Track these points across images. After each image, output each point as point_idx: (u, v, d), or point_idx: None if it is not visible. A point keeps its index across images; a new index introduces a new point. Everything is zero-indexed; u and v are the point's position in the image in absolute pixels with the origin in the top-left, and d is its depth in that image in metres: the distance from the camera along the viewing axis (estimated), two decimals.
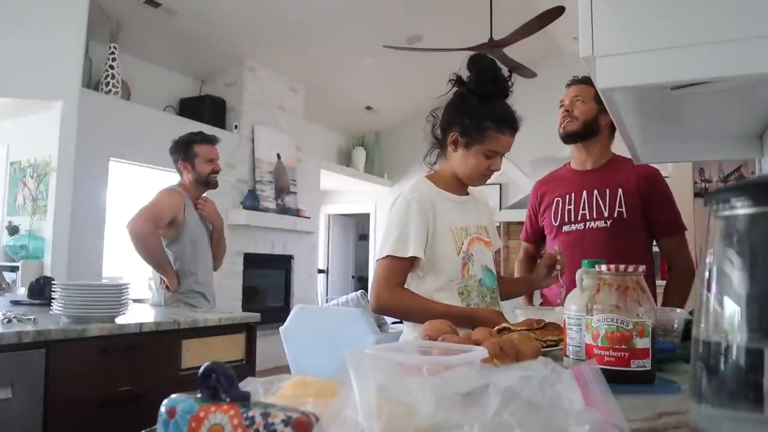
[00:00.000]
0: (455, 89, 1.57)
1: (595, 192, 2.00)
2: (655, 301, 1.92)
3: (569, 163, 2.17)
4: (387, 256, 1.48)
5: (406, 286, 1.53)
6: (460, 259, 1.54)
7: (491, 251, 1.65)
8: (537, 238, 2.24)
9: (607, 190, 1.98)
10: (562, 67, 6.25)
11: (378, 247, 1.55)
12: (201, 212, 2.89)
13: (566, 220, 2.03)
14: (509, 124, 1.53)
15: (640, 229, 1.99)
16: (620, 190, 1.96)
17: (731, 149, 1.65)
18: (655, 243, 2.08)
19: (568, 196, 2.05)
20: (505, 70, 1.55)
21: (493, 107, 1.52)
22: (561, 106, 2.07)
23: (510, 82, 1.54)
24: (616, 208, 1.96)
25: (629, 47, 0.88)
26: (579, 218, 2.00)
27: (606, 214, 1.96)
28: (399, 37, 5.44)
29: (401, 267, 1.49)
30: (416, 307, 1.48)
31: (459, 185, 1.63)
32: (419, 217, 1.49)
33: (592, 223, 1.97)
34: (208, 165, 2.86)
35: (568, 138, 2.05)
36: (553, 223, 2.06)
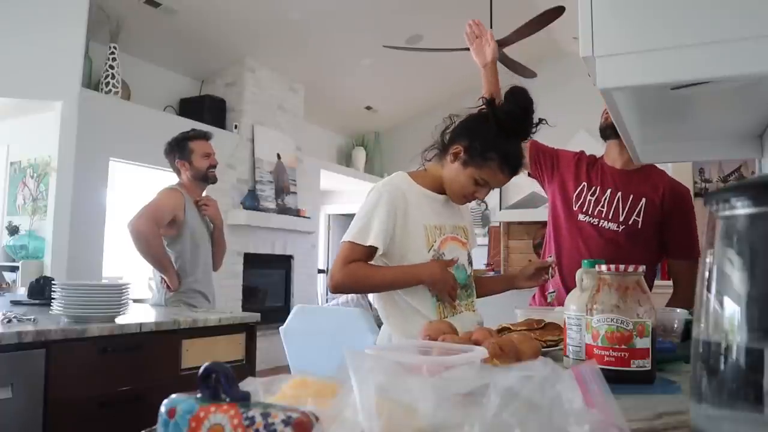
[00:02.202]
0: (482, 106, 1.56)
1: (618, 194, 1.97)
2: None
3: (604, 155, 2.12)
4: (348, 241, 1.52)
5: None
6: (430, 256, 1.55)
7: (467, 251, 1.67)
8: (540, 161, 2.14)
9: (630, 196, 1.95)
10: (562, 67, 6.33)
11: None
12: (204, 212, 2.89)
13: (584, 210, 2.01)
14: (512, 166, 1.54)
15: (651, 241, 1.96)
16: (643, 200, 1.94)
17: (731, 149, 1.65)
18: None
19: (594, 187, 2.02)
20: (536, 117, 1.53)
21: (507, 143, 1.52)
22: None
23: (535, 129, 1.54)
24: (633, 217, 1.94)
25: (629, 47, 0.88)
26: (595, 213, 1.98)
27: (621, 219, 1.94)
28: (399, 37, 5.44)
29: (360, 252, 1.52)
30: (367, 274, 1.52)
31: (441, 187, 1.63)
32: (386, 210, 1.51)
33: (605, 222, 1.96)
34: (204, 160, 2.87)
35: (606, 130, 1.99)
36: (573, 206, 2.03)
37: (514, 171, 1.55)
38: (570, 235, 2.01)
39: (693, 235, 1.98)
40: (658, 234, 1.96)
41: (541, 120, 1.53)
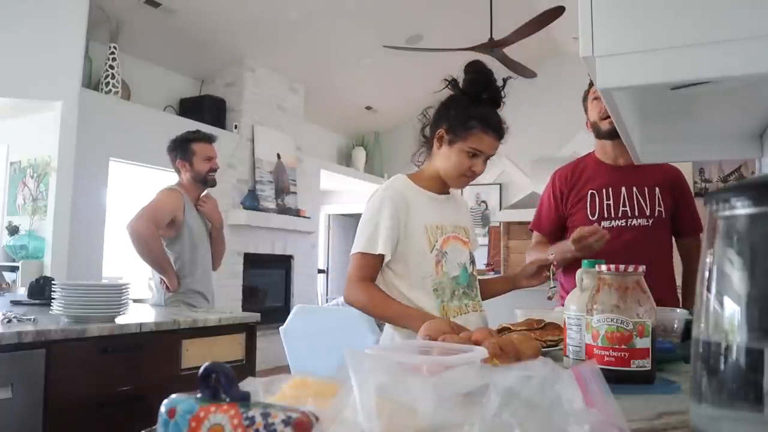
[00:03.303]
0: (449, 90, 1.59)
1: (635, 189, 1.98)
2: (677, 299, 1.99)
3: (594, 154, 2.11)
4: (359, 252, 1.53)
5: (383, 281, 1.57)
6: (434, 256, 1.55)
7: (469, 250, 1.66)
8: (553, 227, 2.12)
9: (646, 188, 1.98)
10: (562, 67, 6.34)
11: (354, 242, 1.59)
12: (200, 208, 2.88)
13: (605, 215, 1.98)
14: (495, 126, 1.54)
15: (669, 225, 2.02)
16: (657, 189, 1.97)
17: (731, 149, 1.65)
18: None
19: (604, 190, 2.00)
20: (500, 80, 1.55)
21: (482, 108, 1.54)
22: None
23: (503, 93, 1.55)
24: (657, 207, 1.97)
25: (629, 47, 0.88)
26: (620, 214, 1.97)
27: (648, 213, 1.96)
28: (399, 37, 5.44)
29: (371, 263, 1.52)
30: (375, 303, 1.53)
31: (440, 184, 1.63)
32: (390, 215, 1.52)
33: (634, 220, 1.96)
34: (206, 163, 2.86)
35: (612, 134, 1.94)
36: (590, 217, 2.00)
37: (498, 132, 1.55)
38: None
39: (696, 210, 2.05)
40: (670, 218, 2.02)
41: (506, 80, 1.56)
